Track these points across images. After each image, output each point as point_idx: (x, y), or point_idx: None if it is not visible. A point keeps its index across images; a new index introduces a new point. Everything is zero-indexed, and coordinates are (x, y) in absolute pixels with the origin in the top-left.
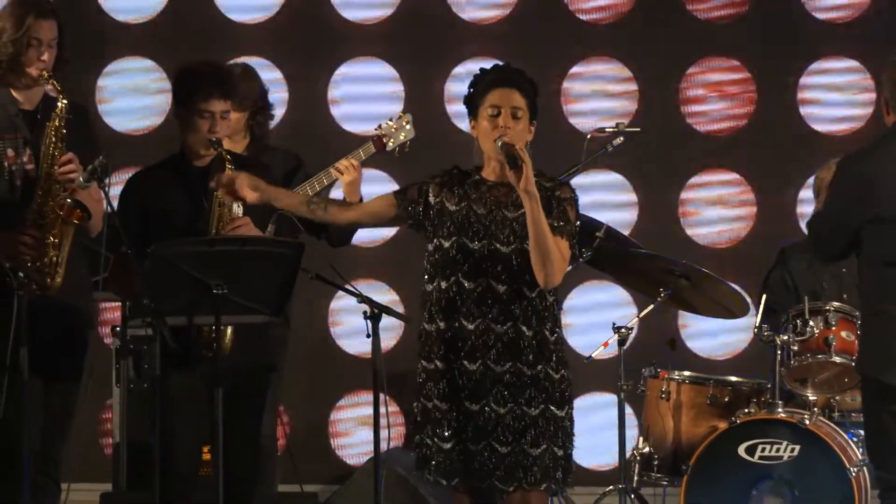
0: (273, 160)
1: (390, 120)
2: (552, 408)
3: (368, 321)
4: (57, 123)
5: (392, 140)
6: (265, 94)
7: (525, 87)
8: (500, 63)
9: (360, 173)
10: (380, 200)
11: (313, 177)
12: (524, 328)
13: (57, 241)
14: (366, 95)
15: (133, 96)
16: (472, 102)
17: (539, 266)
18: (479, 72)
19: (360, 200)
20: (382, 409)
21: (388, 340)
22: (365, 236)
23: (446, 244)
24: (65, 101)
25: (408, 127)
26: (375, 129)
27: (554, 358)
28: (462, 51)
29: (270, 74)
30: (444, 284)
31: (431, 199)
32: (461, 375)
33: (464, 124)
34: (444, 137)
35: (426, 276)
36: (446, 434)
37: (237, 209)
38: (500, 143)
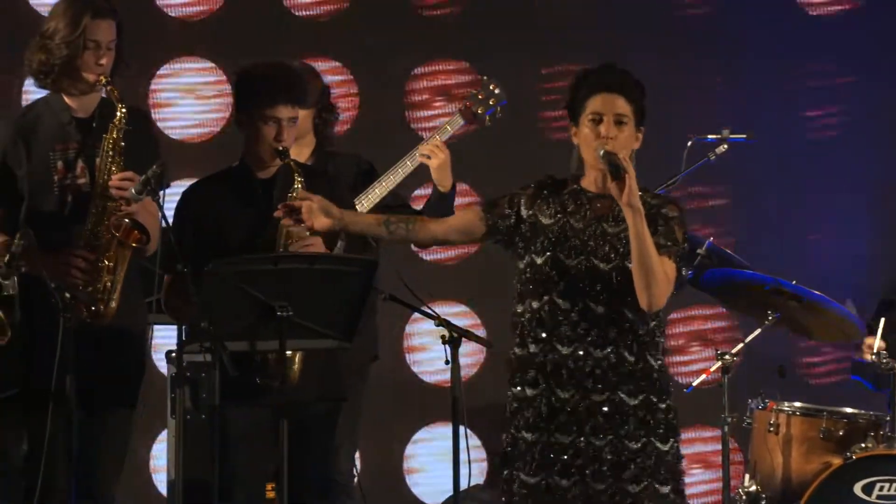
0: (341, 167)
1: (474, 89)
2: (655, 441)
3: (447, 346)
4: (115, 135)
5: (482, 108)
6: (327, 90)
7: (630, 91)
8: (606, 64)
9: (447, 154)
10: (467, 214)
11: (392, 168)
12: (625, 353)
13: (112, 264)
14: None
15: (189, 100)
16: (573, 108)
17: (642, 287)
18: (580, 74)
19: (453, 187)
20: (462, 443)
21: (469, 368)
22: (442, 253)
23: (539, 261)
24: (124, 110)
25: (497, 92)
26: (460, 102)
27: (658, 386)
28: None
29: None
30: (536, 305)
31: (524, 211)
32: (554, 404)
33: None
34: None
35: (517, 296)
36: (533, 468)
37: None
38: (601, 152)
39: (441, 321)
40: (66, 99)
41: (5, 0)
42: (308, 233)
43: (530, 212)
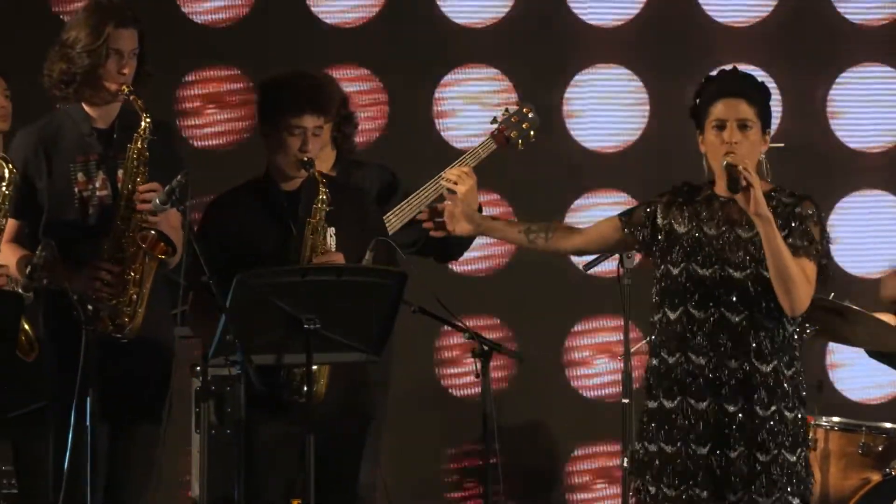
0: (366, 177)
1: (507, 110)
2: (785, 453)
3: (478, 360)
4: (140, 145)
5: (515, 132)
6: (346, 100)
7: (753, 94)
8: (727, 68)
9: (474, 180)
10: (605, 224)
11: (420, 190)
12: (759, 363)
13: (138, 276)
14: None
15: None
16: (698, 115)
17: (783, 293)
18: (704, 81)
19: (480, 208)
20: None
21: (499, 382)
22: (473, 266)
23: (675, 271)
24: (148, 120)
25: (531, 116)
26: (493, 123)
27: (790, 395)
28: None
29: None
30: (672, 315)
31: (659, 220)
32: (689, 416)
33: None
34: None
35: (654, 305)
36: (675, 481)
37: (331, 239)
38: (724, 164)
39: (472, 334)
40: (87, 109)
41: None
42: (332, 241)
43: (665, 220)
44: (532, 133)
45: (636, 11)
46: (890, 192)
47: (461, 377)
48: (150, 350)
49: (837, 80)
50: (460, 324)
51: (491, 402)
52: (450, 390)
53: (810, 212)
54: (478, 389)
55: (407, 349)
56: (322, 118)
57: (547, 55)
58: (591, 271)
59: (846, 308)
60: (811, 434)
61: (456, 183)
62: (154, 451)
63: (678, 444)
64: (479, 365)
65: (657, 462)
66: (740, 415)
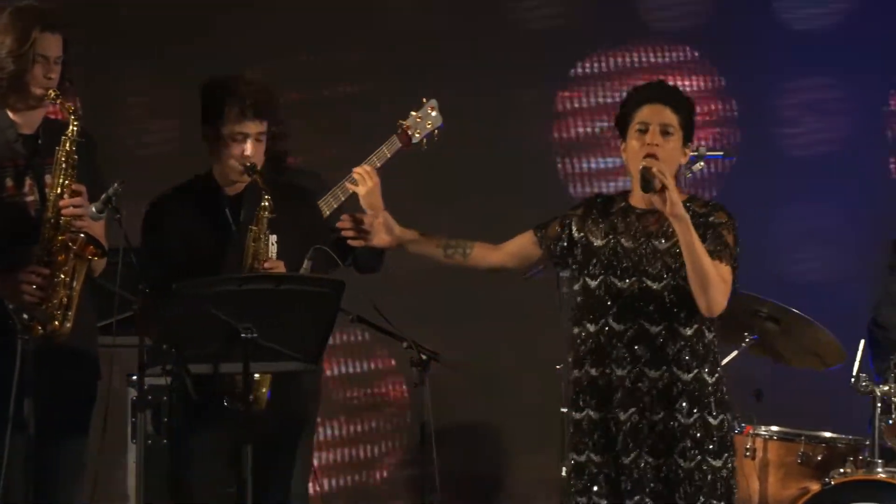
0: (293, 182)
1: (413, 111)
2: (709, 459)
3: (416, 369)
4: (68, 148)
5: (418, 131)
6: (279, 106)
7: (678, 104)
8: (654, 80)
9: (376, 181)
10: (521, 240)
11: (328, 193)
12: (680, 372)
13: (68, 279)
14: None
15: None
16: (622, 123)
17: (700, 292)
18: (630, 91)
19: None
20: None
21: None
22: (413, 274)
23: (593, 284)
24: (76, 123)
25: (433, 114)
26: (400, 122)
27: (713, 401)
28: None
29: None
30: (592, 328)
31: (575, 234)
32: (614, 426)
33: None
34: None
35: (572, 319)
36: (605, 490)
37: (271, 246)
38: (640, 167)
39: (410, 343)
40: (11, 115)
41: None
42: (274, 249)
43: (581, 234)
44: (435, 132)
45: None
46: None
47: (399, 385)
48: (76, 358)
49: None
50: (398, 333)
51: (429, 410)
52: (387, 398)
53: (724, 220)
54: (416, 398)
55: (345, 356)
56: (265, 124)
57: None
58: (530, 277)
59: (785, 314)
60: (750, 443)
61: (356, 184)
62: (82, 460)
63: (605, 454)
64: (417, 373)
65: (588, 473)
66: (662, 424)
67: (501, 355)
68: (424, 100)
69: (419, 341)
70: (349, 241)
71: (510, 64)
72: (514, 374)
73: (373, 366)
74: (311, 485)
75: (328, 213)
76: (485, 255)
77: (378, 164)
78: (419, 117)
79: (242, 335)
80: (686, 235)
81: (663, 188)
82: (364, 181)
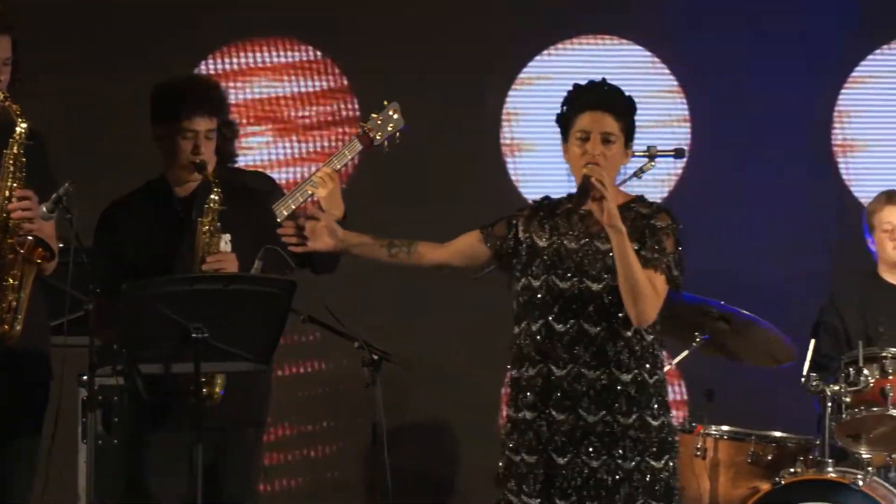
0: (245, 184)
1: (374, 113)
2: (649, 459)
3: (368, 369)
4: (16, 150)
5: (379, 133)
6: (227, 105)
7: (620, 109)
8: (595, 81)
9: (336, 182)
10: (467, 238)
11: (287, 195)
12: (619, 373)
13: (16, 283)
14: None
15: None
16: (564, 125)
17: (630, 304)
18: (571, 90)
19: (344, 216)
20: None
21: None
22: (360, 277)
23: (536, 283)
24: (24, 125)
25: (395, 117)
26: (361, 124)
27: (654, 403)
28: None
29: None
30: (533, 328)
31: (521, 234)
32: (550, 426)
33: None
34: None
35: (514, 318)
36: (536, 490)
37: (225, 245)
38: (583, 171)
39: (362, 343)
40: None
41: None
42: (227, 246)
43: (527, 234)
44: (397, 135)
45: None
46: None
47: (351, 385)
48: (28, 360)
49: None
50: (350, 333)
51: (380, 410)
52: (338, 398)
53: (665, 224)
54: (368, 398)
55: (297, 356)
56: (214, 121)
57: None
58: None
59: (734, 315)
60: (700, 443)
61: (317, 186)
62: (35, 461)
63: (540, 455)
64: (368, 373)
65: (520, 472)
66: (601, 425)
67: (453, 354)
68: (386, 102)
69: (371, 341)
70: (290, 248)
71: (462, 62)
72: (466, 372)
73: (324, 366)
74: (261, 485)
75: (287, 214)
76: (429, 252)
77: (338, 167)
78: (380, 119)
79: (193, 335)
80: (621, 247)
81: (601, 198)
82: (325, 184)
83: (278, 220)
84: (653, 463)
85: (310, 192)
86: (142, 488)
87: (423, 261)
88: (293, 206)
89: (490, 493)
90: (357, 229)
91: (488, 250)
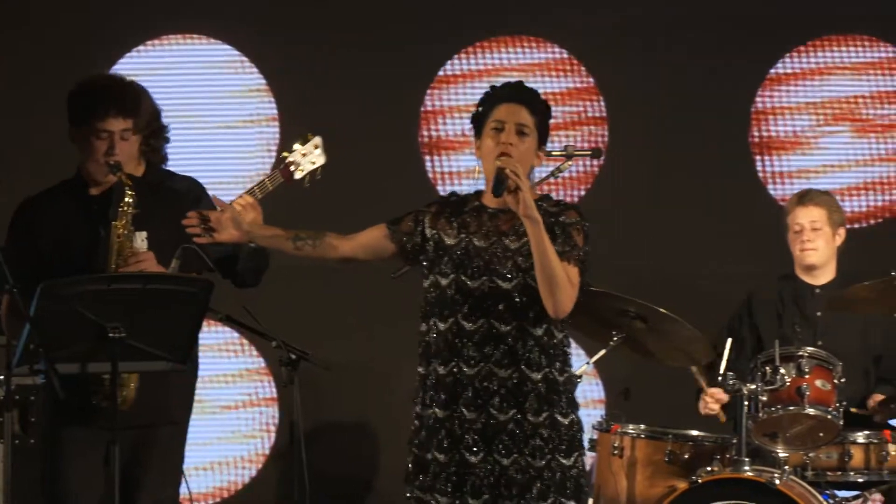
0: (177, 186)
1: (298, 144)
2: (559, 457)
3: (285, 368)
4: None
5: (301, 168)
6: (158, 114)
7: (536, 106)
8: (513, 80)
9: (259, 212)
10: (373, 232)
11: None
12: (529, 371)
13: None
14: None
15: None
16: (478, 122)
17: (547, 294)
18: (488, 90)
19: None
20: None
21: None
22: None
23: (444, 282)
24: None
25: (317, 152)
26: (284, 155)
27: (563, 401)
28: None
29: None
30: (442, 326)
31: (428, 231)
32: (461, 425)
33: None
34: None
35: (421, 316)
36: (448, 489)
37: (141, 242)
38: (496, 163)
39: (280, 342)
40: None
41: None
42: (144, 244)
43: (434, 231)
44: (318, 170)
45: None
46: None
47: (269, 385)
48: None
49: None
50: (268, 332)
51: (299, 409)
52: (257, 398)
53: (574, 220)
54: (286, 397)
55: (215, 356)
56: (129, 121)
57: None
58: (397, 276)
59: (651, 314)
60: (618, 442)
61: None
62: None
63: (450, 453)
64: (286, 373)
65: (430, 471)
66: (512, 423)
67: (371, 353)
68: (310, 135)
69: (289, 341)
70: (195, 239)
71: (379, 60)
72: (385, 371)
73: (242, 365)
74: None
75: None
76: (335, 245)
77: (259, 196)
78: (304, 153)
79: (110, 335)
80: (537, 237)
81: (517, 188)
82: (247, 212)
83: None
84: (563, 461)
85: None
86: (60, 488)
87: (328, 253)
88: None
89: (405, 493)
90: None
91: (394, 245)
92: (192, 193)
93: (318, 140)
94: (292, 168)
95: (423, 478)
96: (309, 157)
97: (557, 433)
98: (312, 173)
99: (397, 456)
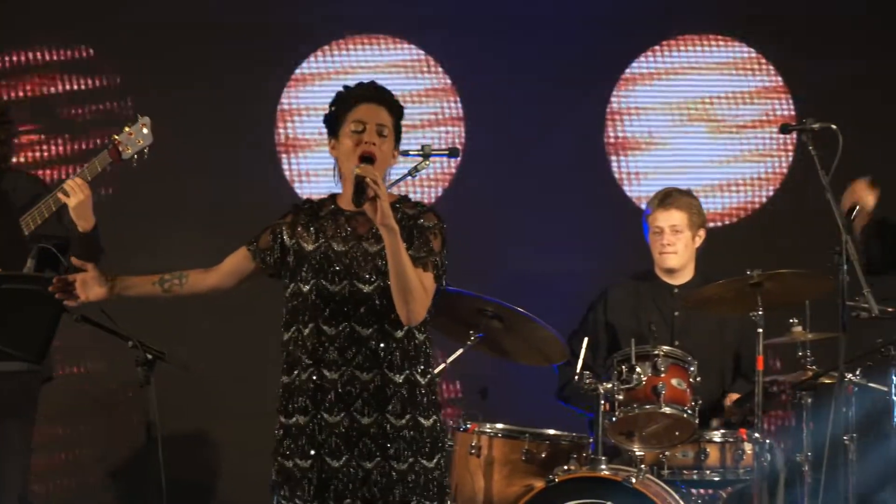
0: (15, 184)
1: (127, 126)
2: (422, 460)
3: (140, 368)
4: None
5: (129, 148)
6: (6, 108)
7: (393, 106)
8: (366, 81)
9: (87, 194)
10: (235, 258)
11: (40, 202)
12: (391, 374)
13: None
14: None
15: None
16: (333, 122)
17: (401, 303)
18: (342, 89)
19: (95, 227)
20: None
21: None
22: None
23: (305, 288)
24: None
25: (145, 132)
26: (113, 137)
27: (425, 403)
28: None
29: None
30: (305, 331)
31: (287, 241)
32: (323, 430)
33: None
34: None
35: (283, 324)
36: (310, 495)
37: None
38: (355, 171)
39: (136, 342)
40: None
41: None
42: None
43: (293, 240)
44: (146, 150)
45: None
46: None
47: (124, 386)
48: None
49: None
50: (123, 332)
51: (155, 410)
52: (111, 399)
53: (432, 224)
54: (142, 398)
55: (70, 355)
56: None
57: None
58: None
59: (507, 313)
60: (475, 441)
61: (68, 195)
62: None
63: (314, 459)
64: (142, 373)
65: (293, 478)
66: (374, 426)
67: (230, 356)
68: (139, 115)
69: (147, 341)
70: (65, 304)
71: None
72: (244, 375)
73: (97, 366)
74: (30, 487)
75: (40, 222)
76: (202, 278)
77: (89, 178)
78: (131, 133)
79: None
80: (394, 247)
81: (375, 196)
82: (75, 193)
83: (45, 217)
84: (425, 463)
85: (62, 199)
86: None
87: (197, 288)
88: (46, 214)
89: (263, 496)
90: (120, 236)
91: (255, 264)
92: (29, 193)
93: (146, 120)
94: (120, 148)
95: (286, 486)
96: (137, 137)
97: (420, 435)
98: (140, 153)
99: (255, 460)
